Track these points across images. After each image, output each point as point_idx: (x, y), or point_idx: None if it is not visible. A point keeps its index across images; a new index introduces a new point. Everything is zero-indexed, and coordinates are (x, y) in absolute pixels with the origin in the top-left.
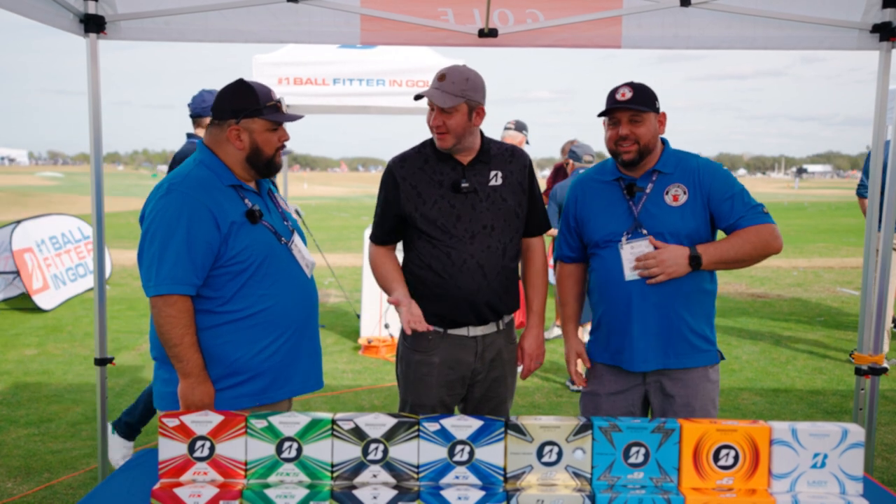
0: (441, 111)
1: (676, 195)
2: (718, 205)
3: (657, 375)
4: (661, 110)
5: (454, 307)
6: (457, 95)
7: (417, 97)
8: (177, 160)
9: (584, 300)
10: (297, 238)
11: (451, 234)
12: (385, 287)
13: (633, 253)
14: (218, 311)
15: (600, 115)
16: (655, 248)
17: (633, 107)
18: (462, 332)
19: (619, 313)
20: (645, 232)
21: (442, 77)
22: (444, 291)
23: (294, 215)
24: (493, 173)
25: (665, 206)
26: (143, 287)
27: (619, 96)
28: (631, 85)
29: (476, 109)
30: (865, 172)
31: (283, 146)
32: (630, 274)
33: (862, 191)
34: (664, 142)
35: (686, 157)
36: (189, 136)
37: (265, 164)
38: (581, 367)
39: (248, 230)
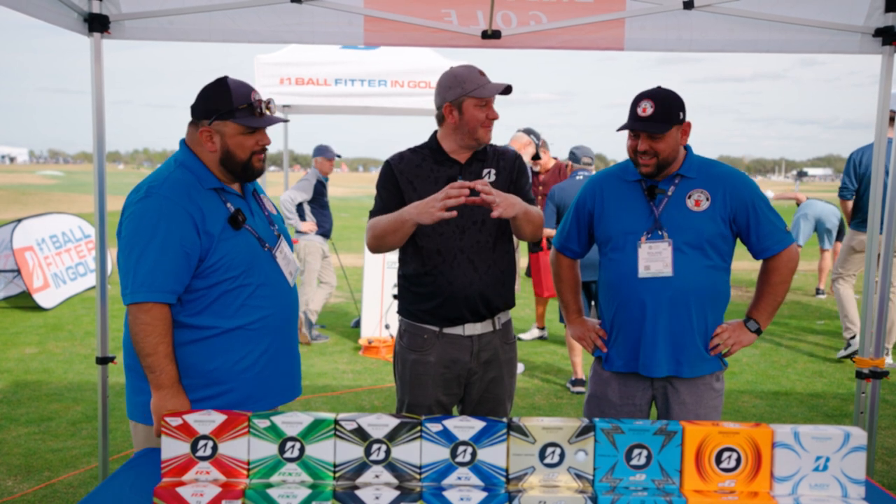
0: (490, 105)
1: (699, 200)
2: (745, 223)
3: (665, 382)
4: (686, 119)
5: (447, 303)
6: None
7: (506, 91)
8: None
9: (580, 294)
10: (283, 244)
11: (441, 230)
12: (393, 218)
13: (650, 253)
14: (193, 323)
15: (620, 129)
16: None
17: (650, 129)
18: (457, 331)
19: (632, 312)
20: (665, 235)
21: (483, 73)
22: (436, 288)
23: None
24: (486, 171)
25: (686, 211)
26: (121, 294)
27: (640, 111)
28: (653, 98)
29: None
30: (847, 174)
31: (262, 150)
32: (644, 272)
33: (844, 193)
34: (687, 147)
35: (709, 163)
36: None
37: (240, 169)
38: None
39: (229, 237)
